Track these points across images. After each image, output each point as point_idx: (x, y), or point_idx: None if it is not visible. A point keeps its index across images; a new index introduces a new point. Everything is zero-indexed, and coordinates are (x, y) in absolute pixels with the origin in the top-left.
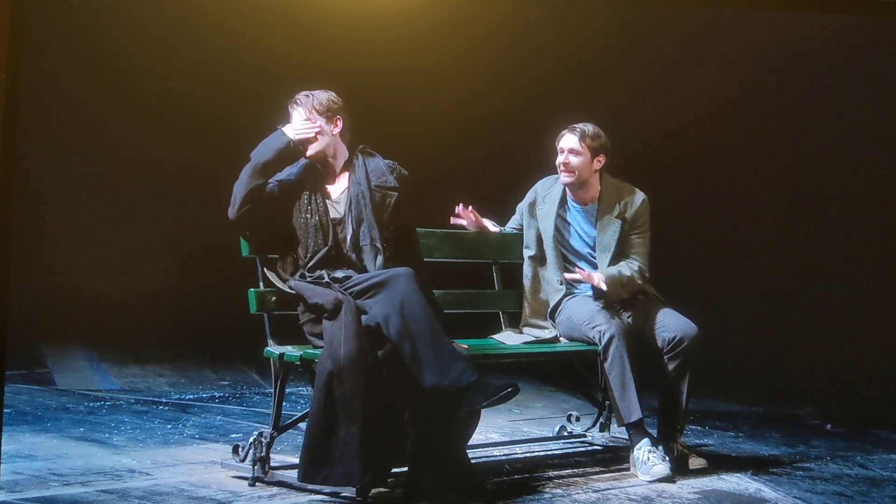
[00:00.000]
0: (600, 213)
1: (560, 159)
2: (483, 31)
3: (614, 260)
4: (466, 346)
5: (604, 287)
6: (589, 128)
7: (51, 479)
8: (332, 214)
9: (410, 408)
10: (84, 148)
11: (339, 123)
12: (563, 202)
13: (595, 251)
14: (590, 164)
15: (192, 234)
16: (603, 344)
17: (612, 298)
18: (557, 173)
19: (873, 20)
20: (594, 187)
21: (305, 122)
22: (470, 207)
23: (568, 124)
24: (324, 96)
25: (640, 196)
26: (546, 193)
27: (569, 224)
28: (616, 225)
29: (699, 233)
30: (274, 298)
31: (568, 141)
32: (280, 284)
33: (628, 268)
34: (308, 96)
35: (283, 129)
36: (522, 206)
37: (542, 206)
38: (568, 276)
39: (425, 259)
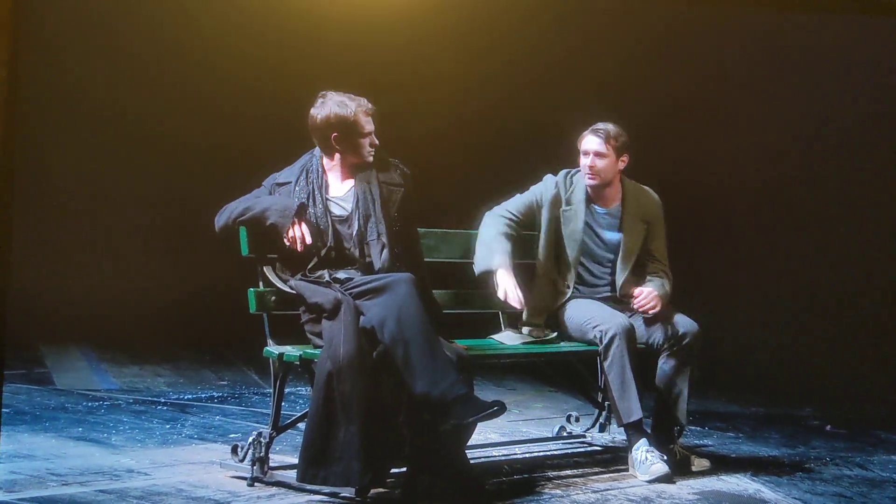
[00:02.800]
0: (626, 216)
1: (585, 162)
2: (480, 27)
3: (636, 264)
4: (466, 347)
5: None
6: (611, 128)
7: (49, 478)
8: (337, 212)
9: (406, 410)
10: (83, 148)
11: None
12: (588, 204)
13: (614, 255)
14: (615, 165)
15: (191, 234)
16: (604, 344)
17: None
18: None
19: (865, 18)
20: (616, 189)
21: (305, 238)
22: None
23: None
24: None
25: (656, 197)
26: (569, 194)
27: (591, 228)
28: (641, 227)
29: (699, 232)
30: (273, 298)
31: (592, 143)
32: (280, 284)
33: (661, 282)
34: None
35: (298, 202)
36: (543, 198)
37: (567, 208)
38: (635, 303)
39: (425, 259)
